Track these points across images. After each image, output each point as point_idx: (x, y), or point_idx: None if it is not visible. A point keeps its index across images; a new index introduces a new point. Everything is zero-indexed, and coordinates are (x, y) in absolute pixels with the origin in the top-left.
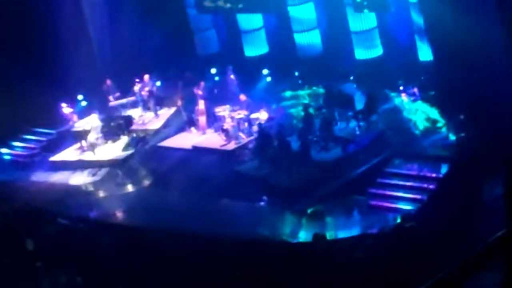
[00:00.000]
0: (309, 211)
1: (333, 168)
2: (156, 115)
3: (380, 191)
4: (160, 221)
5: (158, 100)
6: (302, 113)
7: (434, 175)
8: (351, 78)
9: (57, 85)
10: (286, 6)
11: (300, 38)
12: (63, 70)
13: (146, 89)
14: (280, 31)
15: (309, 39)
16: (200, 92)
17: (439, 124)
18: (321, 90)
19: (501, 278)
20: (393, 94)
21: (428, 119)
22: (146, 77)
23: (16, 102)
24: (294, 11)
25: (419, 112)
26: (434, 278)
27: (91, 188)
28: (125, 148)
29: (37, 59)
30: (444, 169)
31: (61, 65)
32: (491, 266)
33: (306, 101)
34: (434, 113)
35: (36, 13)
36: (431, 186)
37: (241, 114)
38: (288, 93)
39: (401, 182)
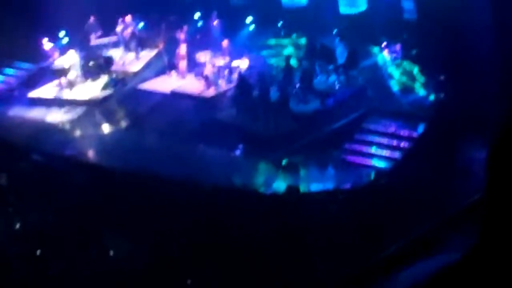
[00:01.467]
0: (283, 162)
1: (310, 121)
2: (137, 56)
3: (356, 147)
4: (134, 163)
5: (139, 42)
6: (283, 64)
7: (410, 134)
8: (334, 31)
9: (39, 19)
10: None
11: None
12: (46, 5)
13: (129, 30)
14: None
15: None
16: (182, 36)
17: (419, 83)
18: (303, 42)
19: (474, 241)
20: (375, 50)
21: (409, 77)
22: (129, 17)
23: None
24: None
25: (400, 70)
26: (405, 238)
27: (67, 126)
28: (104, 88)
29: None
30: (421, 128)
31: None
32: (465, 229)
33: (287, 52)
34: (415, 72)
35: None
36: (407, 145)
37: (222, 60)
38: (270, 42)
39: (377, 139)
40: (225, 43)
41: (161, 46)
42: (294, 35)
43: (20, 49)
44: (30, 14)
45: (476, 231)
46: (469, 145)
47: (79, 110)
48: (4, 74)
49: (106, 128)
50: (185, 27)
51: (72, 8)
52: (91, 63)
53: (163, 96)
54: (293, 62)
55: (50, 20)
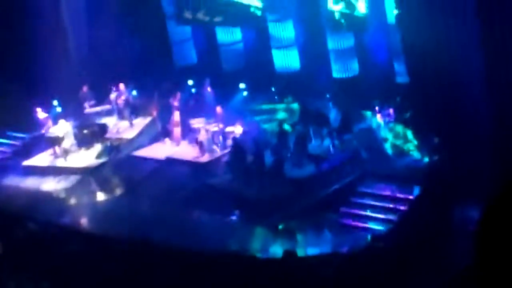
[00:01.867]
0: (280, 227)
1: (305, 185)
2: (131, 124)
3: (352, 210)
4: (130, 231)
5: (133, 109)
6: (277, 129)
7: (406, 196)
8: (327, 96)
9: (33, 89)
10: (266, 22)
11: (278, 54)
12: (39, 74)
13: (122, 97)
14: (258, 46)
15: (287, 55)
16: (176, 103)
17: (413, 146)
18: (297, 107)
19: None
20: (368, 114)
21: (403, 140)
22: (122, 85)
23: None
24: (273, 27)
25: (393, 133)
26: None
27: (62, 195)
28: (99, 156)
29: (13, 63)
30: (416, 191)
31: (37, 69)
32: None
33: (281, 117)
34: (409, 135)
35: (13, 16)
36: (402, 208)
37: (216, 127)
38: (264, 108)
39: (373, 202)
40: (218, 109)
41: (154, 113)
42: (287, 100)
43: (14, 118)
44: (23, 84)
45: None
46: (464, 207)
47: (73, 178)
48: None
49: (101, 195)
50: (179, 94)
51: (65, 77)
52: (85, 131)
53: (158, 162)
54: (287, 126)
55: (42, 90)
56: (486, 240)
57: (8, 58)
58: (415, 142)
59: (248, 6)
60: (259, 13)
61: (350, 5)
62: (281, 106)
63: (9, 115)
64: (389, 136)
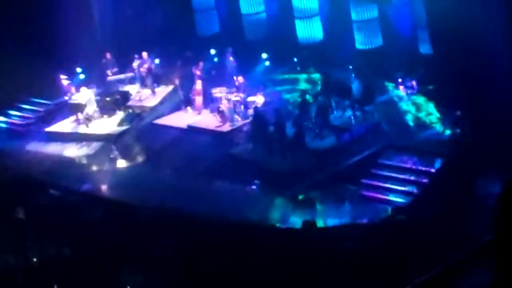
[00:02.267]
0: (300, 197)
1: (326, 156)
2: (153, 92)
3: (372, 182)
4: (151, 198)
5: (155, 78)
6: (299, 99)
7: (427, 169)
8: (350, 67)
9: (56, 56)
10: None
11: (301, 24)
12: (63, 42)
13: (145, 65)
14: (281, 16)
15: (310, 26)
16: (198, 72)
17: (435, 119)
18: (319, 77)
19: (491, 278)
20: (391, 85)
21: (425, 113)
22: (145, 54)
23: (14, 71)
24: None
25: (416, 105)
26: (423, 275)
27: (84, 161)
28: (120, 123)
29: (38, 30)
30: (437, 164)
31: (61, 36)
32: (482, 266)
33: (303, 87)
34: (431, 107)
35: None
36: (423, 180)
37: (238, 96)
38: (286, 78)
39: (393, 174)
40: (240, 78)
41: (176, 82)
42: (309, 70)
43: (38, 85)
44: (47, 51)
45: (493, 267)
46: (486, 180)
47: (95, 145)
48: (22, 110)
49: (122, 163)
50: (201, 63)
51: (88, 45)
52: (107, 99)
53: (179, 131)
54: (309, 97)
55: (66, 57)
56: (506, 214)
57: (32, 27)
58: (438, 115)
59: None
60: None
61: None
62: (303, 76)
63: (33, 82)
64: (411, 108)
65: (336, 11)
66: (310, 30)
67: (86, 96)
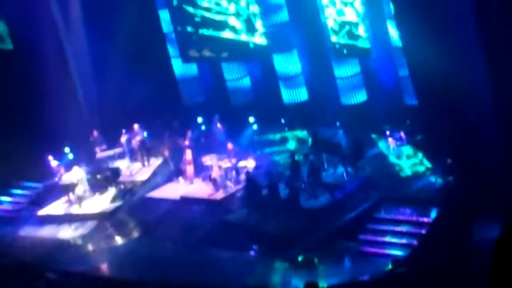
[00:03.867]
0: (299, 258)
1: (322, 215)
2: (144, 165)
3: (370, 237)
4: (150, 273)
5: (146, 150)
6: (289, 160)
7: (423, 219)
8: (338, 123)
9: (43, 138)
10: (271, 55)
11: (285, 85)
12: (49, 123)
13: (137, 138)
14: (265, 79)
15: (294, 85)
16: (187, 142)
17: (426, 168)
18: (308, 136)
19: None
20: (379, 138)
21: (416, 163)
22: (136, 126)
23: (2, 156)
24: (279, 59)
25: (406, 157)
26: None
27: (79, 242)
28: (113, 200)
29: (23, 112)
30: (433, 213)
31: (47, 118)
32: None
33: (293, 148)
34: (422, 157)
35: (22, 65)
36: (421, 231)
37: (229, 162)
38: (275, 140)
39: (390, 228)
40: (230, 145)
41: (166, 153)
42: (297, 130)
43: (26, 168)
44: (34, 134)
45: None
46: (484, 226)
47: (90, 224)
48: (12, 195)
49: (118, 240)
50: (189, 133)
51: (74, 124)
52: (98, 176)
53: (173, 202)
54: (299, 157)
55: (54, 138)
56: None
57: (17, 110)
58: (429, 164)
59: (253, 43)
60: (264, 47)
61: (353, 36)
62: (292, 137)
63: (21, 165)
64: (402, 159)
65: (319, 69)
66: (294, 90)
67: (77, 175)
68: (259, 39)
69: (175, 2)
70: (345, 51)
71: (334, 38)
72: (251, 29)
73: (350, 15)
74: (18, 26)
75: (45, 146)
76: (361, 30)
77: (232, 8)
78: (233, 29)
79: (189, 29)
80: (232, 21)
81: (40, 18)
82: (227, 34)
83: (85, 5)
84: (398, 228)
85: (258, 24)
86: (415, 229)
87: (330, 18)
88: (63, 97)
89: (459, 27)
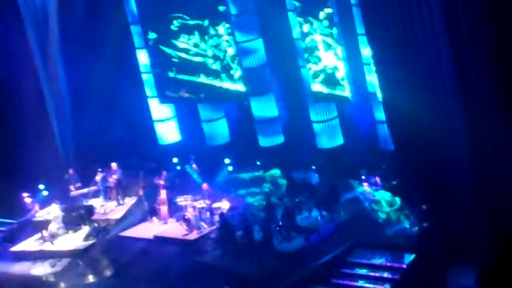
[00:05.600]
0: None
1: (295, 258)
2: (120, 204)
3: (344, 282)
4: None
5: (121, 189)
6: (264, 202)
7: (398, 265)
8: (313, 167)
9: (18, 174)
10: (248, 97)
11: (261, 128)
12: (25, 160)
13: (114, 176)
14: (241, 120)
15: (270, 128)
16: (161, 182)
17: (401, 214)
18: (283, 179)
19: None
20: (355, 183)
21: (390, 208)
22: (114, 164)
23: None
24: (255, 102)
25: (381, 202)
26: None
27: (52, 279)
28: (86, 238)
29: None
30: (408, 259)
31: (23, 155)
32: None
33: (267, 190)
34: (397, 202)
35: None
36: (395, 277)
37: (203, 203)
38: (250, 182)
39: (364, 272)
40: (205, 185)
41: (141, 192)
42: (273, 173)
43: (0, 204)
44: (8, 170)
45: None
46: (457, 273)
47: (63, 262)
48: None
49: (91, 278)
50: (164, 173)
51: (50, 161)
52: (72, 214)
53: (146, 242)
54: (274, 199)
55: (28, 174)
56: None
57: None
58: (404, 210)
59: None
60: (242, 91)
61: (331, 81)
62: (267, 179)
63: None
64: (377, 204)
65: (295, 112)
66: (270, 133)
67: (54, 212)
68: (236, 85)
69: (150, 42)
70: (322, 97)
71: (313, 85)
72: (228, 72)
73: (330, 60)
74: None
75: (19, 182)
76: (340, 75)
77: (210, 50)
78: (211, 72)
79: (166, 70)
80: (210, 63)
81: (17, 55)
82: (204, 80)
83: (62, 42)
84: (372, 273)
85: (235, 66)
86: (389, 274)
87: (309, 63)
88: (39, 134)
89: (437, 73)
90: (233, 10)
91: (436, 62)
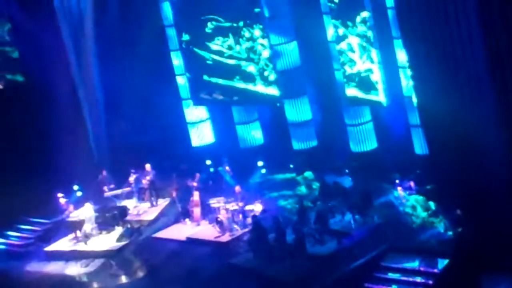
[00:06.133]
0: None
1: (328, 261)
2: (153, 205)
3: (376, 286)
4: None
5: (155, 191)
6: (297, 205)
7: (431, 270)
8: (347, 170)
9: (53, 175)
10: (281, 100)
11: (295, 130)
12: (59, 160)
13: (148, 178)
14: (275, 122)
15: (304, 131)
16: (195, 184)
17: (436, 218)
18: (316, 182)
19: None
20: (388, 187)
21: (425, 213)
22: (148, 166)
23: (11, 191)
24: (289, 105)
25: (415, 206)
26: None
27: (85, 279)
28: (120, 238)
29: (34, 150)
30: (441, 264)
31: (57, 156)
32: None
33: (301, 193)
34: (431, 207)
35: (34, 104)
36: (428, 282)
37: (236, 205)
38: (283, 185)
39: (397, 277)
40: (237, 188)
41: (174, 194)
42: (306, 176)
43: (35, 204)
44: (43, 171)
45: None
46: (492, 279)
47: (96, 262)
48: (20, 230)
49: (123, 279)
50: (198, 175)
51: (84, 162)
52: (106, 215)
53: (179, 243)
54: (307, 203)
55: (63, 175)
56: None
57: (28, 148)
58: (438, 214)
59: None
60: (275, 94)
61: (365, 85)
62: (300, 182)
63: (30, 201)
64: (411, 209)
65: (329, 115)
66: (304, 136)
67: (85, 213)
68: (270, 88)
69: (184, 45)
70: (356, 101)
71: (347, 90)
72: (263, 74)
73: (365, 63)
74: (31, 60)
75: (54, 183)
76: (375, 78)
77: (244, 52)
78: (245, 74)
79: (200, 72)
80: (245, 65)
81: (54, 59)
82: (238, 83)
83: (97, 45)
84: (405, 278)
85: (269, 69)
86: (422, 279)
87: (344, 66)
88: (73, 135)
89: (473, 78)
90: (267, 13)
91: (472, 67)
